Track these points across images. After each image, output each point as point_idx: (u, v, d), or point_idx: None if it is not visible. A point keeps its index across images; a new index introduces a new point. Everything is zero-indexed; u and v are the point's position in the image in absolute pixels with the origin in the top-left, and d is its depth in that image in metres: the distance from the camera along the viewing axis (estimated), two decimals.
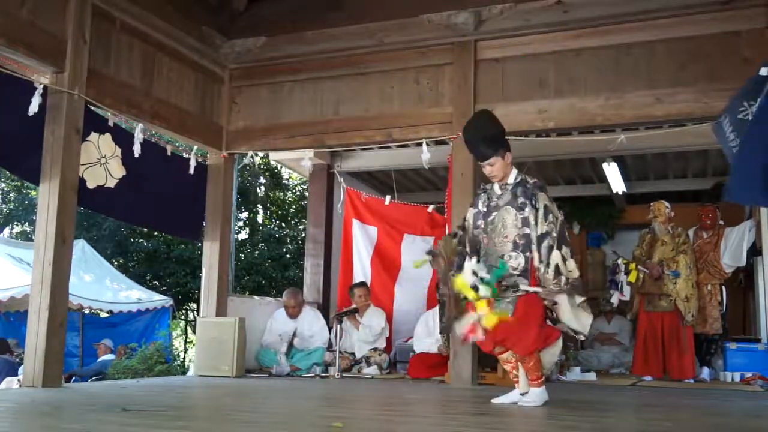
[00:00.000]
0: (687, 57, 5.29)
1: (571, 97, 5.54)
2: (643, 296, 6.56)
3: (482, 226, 4.03)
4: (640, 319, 6.59)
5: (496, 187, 4.11)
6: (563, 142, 6.43)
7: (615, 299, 6.83)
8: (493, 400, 4.01)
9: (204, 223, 6.48)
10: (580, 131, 6.38)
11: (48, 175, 4.73)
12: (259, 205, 17.83)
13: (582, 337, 4.02)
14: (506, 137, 4.12)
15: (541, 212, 3.93)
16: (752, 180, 3.91)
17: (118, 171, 5.53)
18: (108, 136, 5.47)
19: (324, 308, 7.57)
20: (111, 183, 5.50)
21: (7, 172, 13.73)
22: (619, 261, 6.75)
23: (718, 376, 6.65)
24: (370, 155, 8.06)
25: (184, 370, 10.99)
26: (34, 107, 4.68)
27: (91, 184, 5.32)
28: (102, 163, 5.41)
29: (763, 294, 6.80)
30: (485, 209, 4.06)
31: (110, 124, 5.51)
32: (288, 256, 16.37)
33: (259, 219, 18.20)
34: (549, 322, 3.97)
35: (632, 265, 6.51)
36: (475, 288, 3.62)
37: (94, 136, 5.35)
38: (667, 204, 6.65)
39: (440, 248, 4.00)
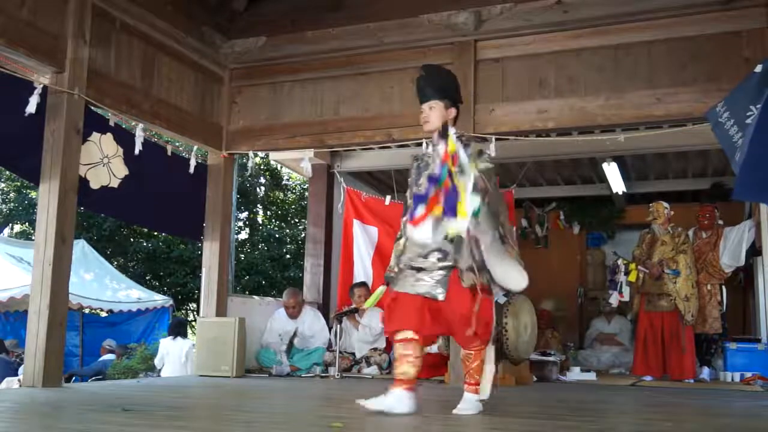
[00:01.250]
0: (687, 57, 5.29)
1: (571, 97, 5.54)
2: (643, 296, 6.56)
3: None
4: (641, 319, 6.59)
5: (430, 149, 3.65)
6: (563, 142, 6.43)
7: (614, 300, 6.84)
8: (359, 401, 3.31)
9: (204, 223, 6.48)
10: (580, 131, 6.38)
11: (48, 175, 4.73)
12: (259, 205, 17.84)
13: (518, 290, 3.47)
14: (458, 100, 3.63)
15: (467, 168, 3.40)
16: (761, 178, 3.91)
17: (120, 171, 5.54)
18: (109, 135, 5.47)
19: (324, 308, 7.57)
20: (114, 183, 5.50)
21: (8, 172, 13.74)
22: (619, 261, 6.75)
23: (718, 376, 6.65)
24: (370, 155, 8.06)
25: None
26: (32, 107, 4.68)
27: (94, 185, 5.31)
28: (105, 163, 5.41)
29: (763, 294, 6.80)
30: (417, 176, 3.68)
31: (111, 124, 5.51)
32: (288, 256, 16.37)
33: (259, 219, 18.21)
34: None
35: (632, 265, 6.52)
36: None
37: (95, 136, 5.35)
38: (666, 204, 6.65)
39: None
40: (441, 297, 3.29)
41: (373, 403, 3.24)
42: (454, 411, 3.36)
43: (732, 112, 4.35)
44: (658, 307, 6.43)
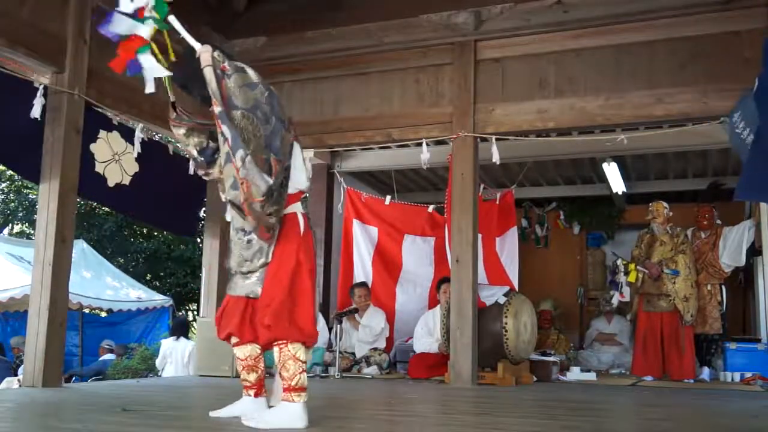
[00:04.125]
0: (687, 57, 5.29)
1: (571, 97, 5.54)
2: (642, 296, 6.56)
3: None
4: (640, 319, 6.59)
5: None
6: (563, 142, 6.44)
7: (615, 300, 6.84)
8: (212, 413, 3.13)
9: (202, 222, 6.49)
10: (580, 131, 6.38)
11: (48, 175, 4.73)
12: None
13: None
14: None
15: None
16: (763, 178, 3.92)
17: (131, 167, 5.57)
18: (116, 133, 5.51)
19: (324, 308, 7.57)
20: (126, 180, 5.54)
21: (8, 172, 13.74)
22: (619, 262, 6.75)
23: (718, 376, 6.65)
24: (370, 155, 8.06)
25: None
26: (36, 109, 4.68)
27: (111, 182, 5.36)
28: (116, 160, 5.45)
29: (763, 294, 6.81)
30: None
31: (115, 122, 5.53)
32: None
33: None
34: None
35: (631, 266, 6.52)
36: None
37: (103, 133, 5.38)
38: (665, 204, 6.66)
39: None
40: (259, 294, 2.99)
41: (223, 412, 3.09)
42: (246, 421, 2.89)
43: (744, 113, 4.36)
44: (657, 307, 6.43)
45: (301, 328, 2.87)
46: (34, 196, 13.12)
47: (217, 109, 2.71)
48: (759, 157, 3.97)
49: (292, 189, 2.99)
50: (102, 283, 11.04)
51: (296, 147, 3.04)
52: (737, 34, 5.20)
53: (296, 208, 3.02)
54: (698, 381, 6.31)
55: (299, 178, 3.03)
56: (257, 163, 2.68)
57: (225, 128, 2.67)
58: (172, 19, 2.88)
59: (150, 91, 2.86)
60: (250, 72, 2.84)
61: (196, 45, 2.85)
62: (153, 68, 2.85)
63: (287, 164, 2.91)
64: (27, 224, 14.95)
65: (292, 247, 2.95)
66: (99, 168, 5.07)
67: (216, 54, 2.78)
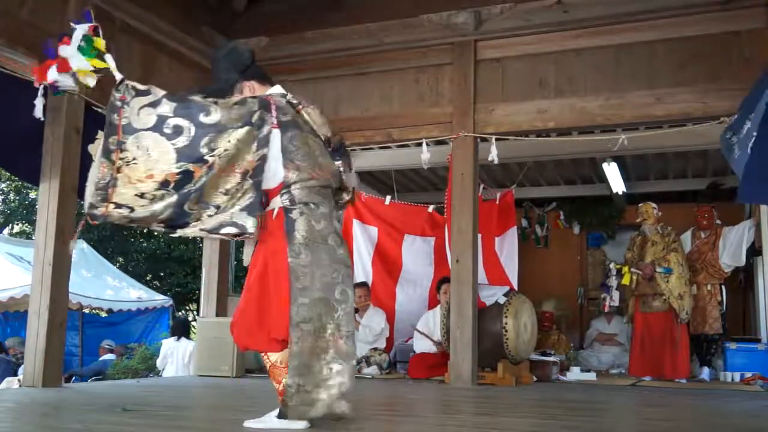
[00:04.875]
0: (687, 57, 5.29)
1: (571, 97, 5.54)
2: (638, 298, 6.57)
3: None
4: (636, 320, 6.61)
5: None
6: (563, 142, 6.43)
7: (608, 303, 6.84)
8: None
9: None
10: (580, 131, 6.38)
11: (48, 175, 4.73)
12: None
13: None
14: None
15: None
16: (765, 180, 3.91)
17: None
18: None
19: None
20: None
21: (8, 172, 13.72)
22: (611, 266, 6.78)
23: (718, 376, 6.65)
24: (370, 155, 8.05)
25: None
26: (39, 110, 4.67)
27: None
28: None
29: (763, 294, 6.81)
30: None
31: None
32: None
33: None
34: None
35: (625, 268, 6.54)
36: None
37: (101, 134, 5.35)
38: (654, 205, 6.69)
39: None
40: None
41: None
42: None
43: (735, 124, 4.36)
44: (652, 307, 6.45)
45: (271, 336, 2.79)
46: (34, 196, 13.10)
47: (111, 143, 2.79)
48: (760, 159, 3.97)
49: (271, 183, 2.81)
50: (102, 283, 11.04)
51: (275, 134, 2.81)
52: (737, 34, 5.20)
53: (275, 203, 2.82)
54: (693, 381, 6.32)
55: (276, 169, 2.80)
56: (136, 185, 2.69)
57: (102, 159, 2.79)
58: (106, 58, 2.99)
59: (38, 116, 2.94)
60: (155, 90, 2.82)
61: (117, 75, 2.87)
62: (68, 85, 2.92)
63: (254, 158, 2.75)
64: (27, 224, 14.96)
65: (260, 249, 2.85)
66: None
67: (121, 86, 2.81)
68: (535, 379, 6.06)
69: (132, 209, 2.68)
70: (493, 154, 5.61)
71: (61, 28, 4.84)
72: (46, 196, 4.72)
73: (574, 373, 6.61)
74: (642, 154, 7.74)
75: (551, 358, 6.49)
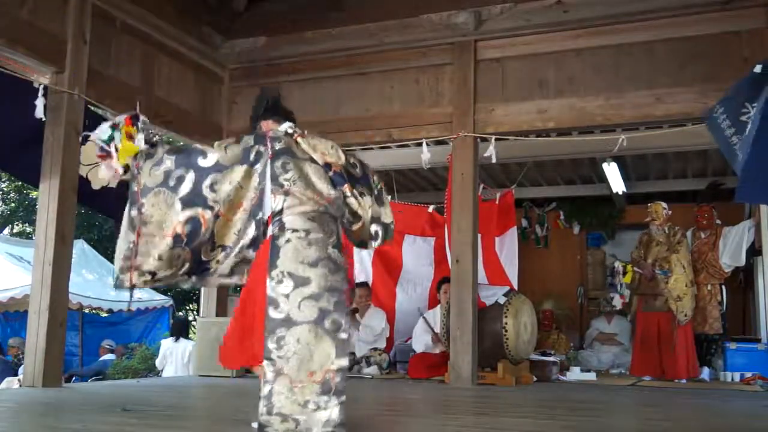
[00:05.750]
0: (687, 57, 5.29)
1: (571, 97, 5.54)
2: (641, 298, 6.58)
3: None
4: (638, 319, 6.62)
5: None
6: (563, 142, 6.43)
7: (617, 302, 6.87)
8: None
9: None
10: (580, 131, 6.38)
11: (48, 175, 4.73)
12: None
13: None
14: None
15: None
16: (764, 180, 3.91)
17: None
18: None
19: None
20: (113, 183, 5.49)
21: (8, 172, 13.71)
22: (617, 264, 6.79)
23: (718, 376, 6.65)
24: (370, 155, 8.05)
25: None
26: (39, 110, 4.67)
27: (96, 185, 5.31)
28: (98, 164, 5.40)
29: (763, 294, 6.81)
30: None
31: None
32: None
33: None
34: None
35: (628, 267, 6.56)
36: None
37: (93, 135, 5.33)
38: (664, 205, 6.66)
39: None
40: None
41: None
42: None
43: (727, 110, 4.34)
44: (653, 307, 6.46)
45: (255, 355, 2.72)
46: (34, 196, 13.10)
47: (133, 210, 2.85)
48: (759, 158, 3.96)
49: (267, 211, 2.84)
50: (102, 283, 11.02)
51: (269, 164, 2.87)
52: (737, 34, 5.20)
53: (268, 232, 2.81)
54: (697, 381, 6.32)
55: (269, 197, 2.84)
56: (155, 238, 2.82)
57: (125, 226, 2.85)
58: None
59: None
60: (158, 150, 2.92)
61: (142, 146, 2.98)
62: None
63: (256, 194, 2.86)
64: (27, 224, 14.95)
65: (248, 278, 2.88)
66: (83, 171, 5.02)
67: (138, 155, 2.93)
68: (535, 379, 6.06)
69: (154, 274, 2.84)
70: (491, 153, 5.61)
71: (61, 28, 4.86)
72: (46, 196, 4.72)
73: (574, 373, 6.61)
74: (642, 154, 7.74)
75: (551, 358, 6.48)
